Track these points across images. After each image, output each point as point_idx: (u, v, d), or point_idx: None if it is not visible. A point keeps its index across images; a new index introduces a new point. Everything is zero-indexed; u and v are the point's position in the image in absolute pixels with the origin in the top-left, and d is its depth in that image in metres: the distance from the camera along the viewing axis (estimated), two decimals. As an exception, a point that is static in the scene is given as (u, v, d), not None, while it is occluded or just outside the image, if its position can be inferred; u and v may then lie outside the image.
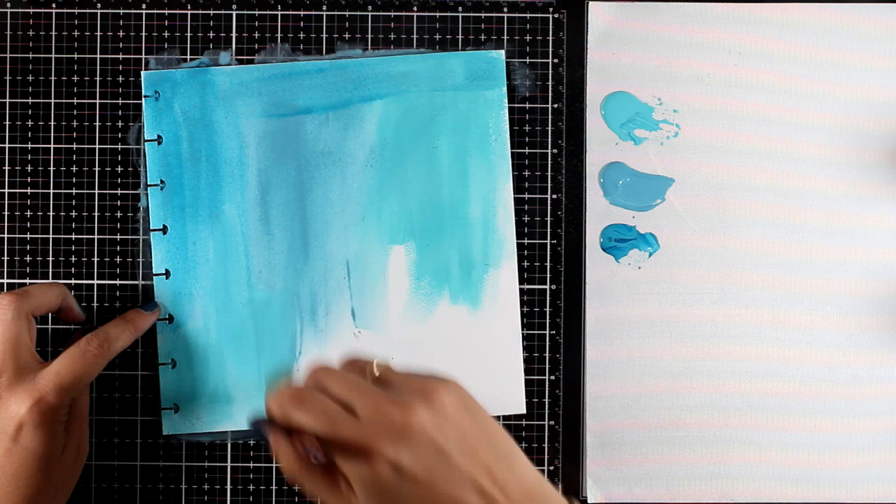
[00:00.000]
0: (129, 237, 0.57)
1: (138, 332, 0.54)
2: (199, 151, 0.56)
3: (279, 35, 0.57)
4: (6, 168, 0.57)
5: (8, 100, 0.57)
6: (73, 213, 0.57)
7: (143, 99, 0.56)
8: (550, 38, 0.57)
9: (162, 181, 0.56)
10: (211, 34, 0.57)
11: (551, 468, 0.57)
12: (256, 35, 0.57)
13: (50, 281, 0.56)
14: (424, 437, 0.39)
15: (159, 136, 0.56)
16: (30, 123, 0.57)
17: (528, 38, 0.57)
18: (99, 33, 0.57)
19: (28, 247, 0.57)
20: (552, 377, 0.57)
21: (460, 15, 0.57)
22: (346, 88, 0.56)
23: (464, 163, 0.56)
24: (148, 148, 0.56)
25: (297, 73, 0.56)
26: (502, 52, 0.57)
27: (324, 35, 0.57)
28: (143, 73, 0.57)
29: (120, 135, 0.57)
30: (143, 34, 0.57)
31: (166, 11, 0.57)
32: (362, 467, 0.39)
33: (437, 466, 0.39)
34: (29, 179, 0.57)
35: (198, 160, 0.56)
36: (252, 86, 0.56)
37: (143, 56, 0.57)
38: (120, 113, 0.57)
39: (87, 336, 0.51)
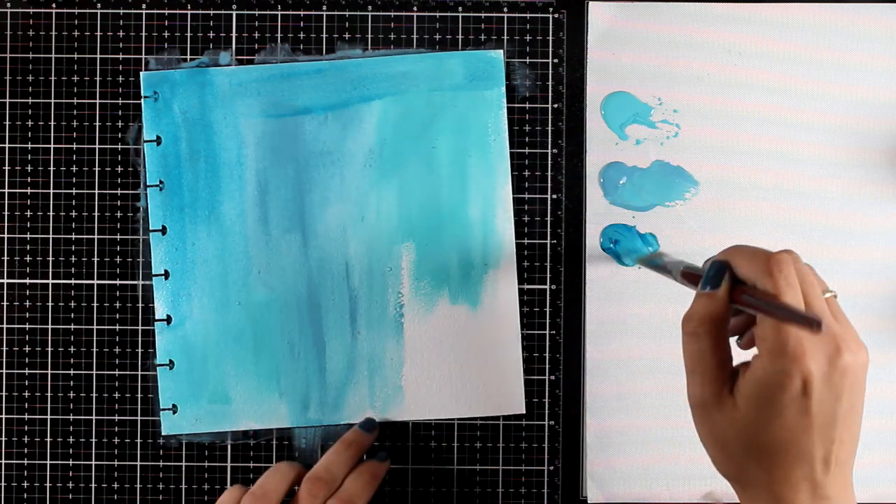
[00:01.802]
0: (129, 237, 0.57)
1: (377, 482, 0.53)
2: (198, 152, 0.56)
3: (279, 35, 0.57)
4: (6, 168, 0.57)
5: (8, 100, 0.57)
6: (73, 213, 0.57)
7: (143, 100, 0.56)
8: (550, 38, 0.57)
9: (161, 182, 0.56)
10: (211, 34, 0.57)
11: (551, 468, 0.57)
12: (256, 35, 0.57)
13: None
14: (842, 382, 0.39)
15: (158, 137, 0.56)
16: (30, 123, 0.57)
17: (527, 38, 0.57)
18: (99, 33, 0.57)
19: (28, 247, 0.57)
20: (552, 377, 0.57)
21: (460, 15, 0.57)
22: (345, 89, 0.56)
23: (463, 163, 0.56)
24: (147, 148, 0.56)
25: (295, 73, 0.56)
26: (501, 51, 0.56)
27: (324, 35, 0.57)
28: (141, 73, 0.56)
29: (120, 135, 0.57)
30: (143, 34, 0.57)
31: (166, 11, 0.57)
32: (778, 363, 0.38)
33: (827, 411, 0.39)
34: (29, 179, 0.57)
35: (197, 161, 0.56)
36: (251, 86, 0.56)
37: (143, 56, 0.57)
38: (120, 113, 0.57)
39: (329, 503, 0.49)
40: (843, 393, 0.39)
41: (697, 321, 0.41)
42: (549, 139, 0.57)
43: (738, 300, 0.41)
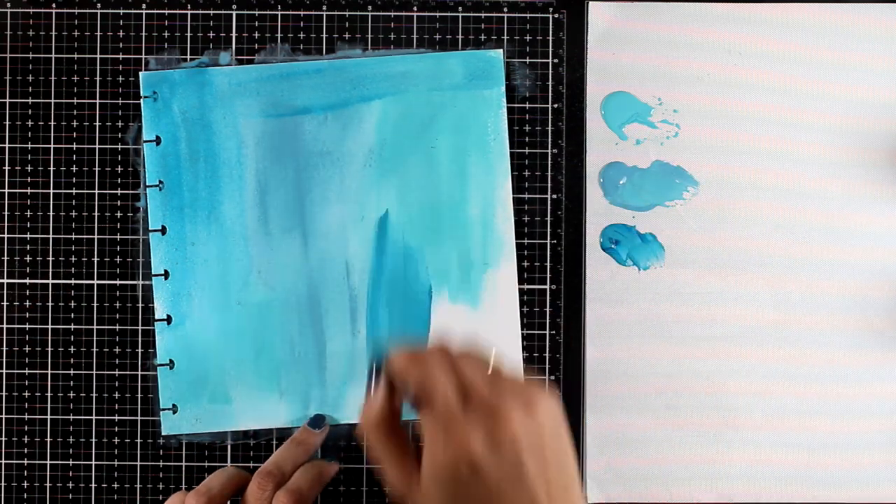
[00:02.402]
0: (129, 237, 0.56)
1: (325, 481, 0.54)
2: (197, 152, 0.56)
3: (279, 35, 0.57)
4: (6, 168, 0.56)
5: (8, 100, 0.56)
6: (73, 213, 0.56)
7: (142, 100, 0.56)
8: (550, 38, 0.57)
9: (161, 182, 0.56)
10: (211, 34, 0.57)
11: (551, 468, 0.57)
12: (256, 35, 0.57)
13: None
14: (513, 447, 0.38)
15: (158, 137, 0.56)
16: (30, 123, 0.56)
17: (527, 38, 0.57)
18: (99, 33, 0.57)
19: (28, 247, 0.56)
20: (552, 377, 0.57)
21: (460, 15, 0.57)
22: (345, 88, 0.56)
23: (462, 162, 0.56)
24: (146, 148, 0.56)
25: (295, 73, 0.56)
26: (500, 51, 0.56)
27: (324, 35, 0.57)
28: (141, 73, 0.56)
29: (119, 135, 0.56)
30: (143, 34, 0.57)
31: (166, 11, 0.57)
32: (443, 450, 0.38)
33: (510, 480, 0.38)
34: (29, 179, 0.56)
35: (196, 161, 0.56)
36: (250, 86, 0.56)
37: (143, 56, 0.56)
38: (120, 113, 0.56)
39: (278, 494, 0.50)
40: (522, 458, 0.38)
41: (367, 425, 0.42)
42: (549, 139, 0.57)
43: (396, 401, 0.43)
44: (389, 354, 0.42)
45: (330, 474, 0.55)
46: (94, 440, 0.56)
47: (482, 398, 0.39)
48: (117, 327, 0.56)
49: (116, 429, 0.56)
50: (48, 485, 0.56)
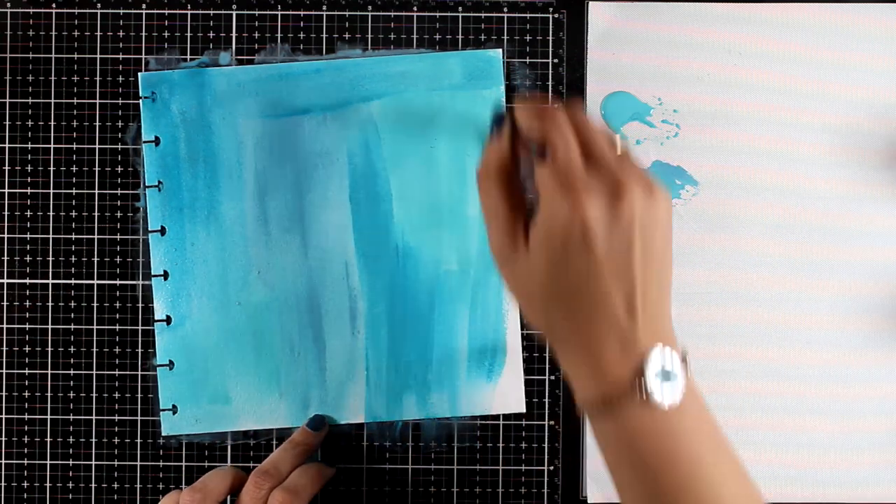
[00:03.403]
0: (129, 237, 0.56)
1: (324, 481, 0.53)
2: (196, 152, 0.56)
3: (279, 35, 0.56)
4: (6, 168, 0.56)
5: (8, 100, 0.56)
6: (73, 214, 0.56)
7: (141, 100, 0.55)
8: (550, 38, 0.57)
9: (160, 182, 0.56)
10: (211, 34, 0.56)
11: (551, 468, 0.56)
12: (256, 35, 0.56)
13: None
14: (630, 224, 0.37)
15: (157, 138, 0.55)
16: (30, 123, 0.56)
17: (527, 38, 0.57)
18: (99, 33, 0.56)
19: (28, 247, 0.56)
20: (552, 377, 0.57)
21: (460, 15, 0.56)
22: (344, 89, 0.56)
23: (462, 162, 0.56)
24: (146, 149, 0.55)
25: (294, 73, 0.56)
26: (500, 51, 0.56)
27: (324, 35, 0.56)
28: (140, 74, 0.56)
29: (119, 135, 0.56)
30: (143, 34, 0.56)
31: (166, 11, 0.56)
32: (559, 207, 0.37)
33: (617, 255, 0.37)
34: (29, 179, 0.56)
35: (196, 161, 0.56)
36: (249, 87, 0.56)
37: (143, 56, 0.56)
38: (120, 113, 0.56)
39: (274, 493, 0.50)
40: (634, 239, 0.38)
41: (484, 172, 0.41)
42: (549, 139, 0.57)
43: (517, 150, 0.41)
44: (516, 105, 0.41)
45: (328, 476, 0.54)
46: (94, 440, 0.56)
47: (608, 166, 0.38)
48: (117, 327, 0.56)
49: (116, 429, 0.56)
50: (48, 485, 0.56)
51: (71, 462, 0.56)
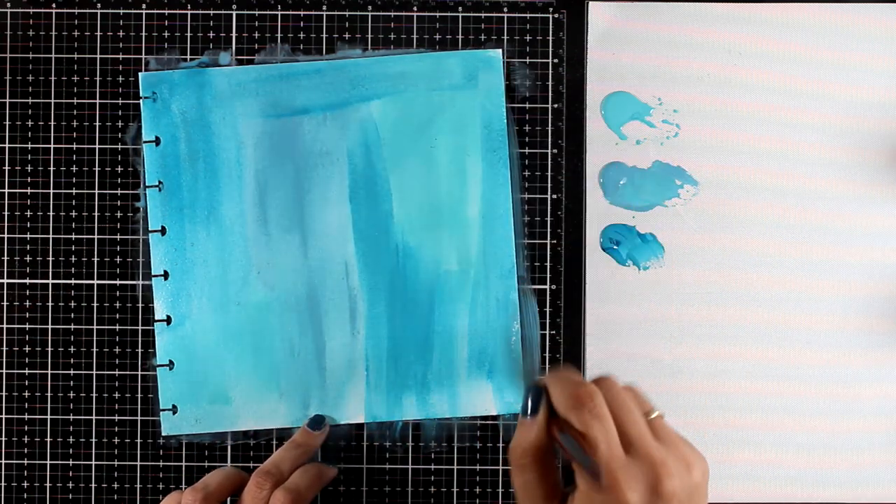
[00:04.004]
0: (129, 237, 0.56)
1: (324, 482, 0.53)
2: (197, 152, 0.55)
3: (279, 35, 0.56)
4: (6, 168, 0.56)
5: (8, 100, 0.56)
6: (73, 214, 0.56)
7: (141, 100, 0.55)
8: (550, 38, 0.56)
9: (160, 182, 0.55)
10: (211, 34, 0.56)
11: (551, 468, 0.56)
12: (256, 35, 0.56)
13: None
14: (668, 499, 0.38)
15: (157, 138, 0.55)
16: (30, 123, 0.56)
17: (527, 38, 0.56)
18: (99, 33, 0.56)
19: (28, 247, 0.56)
20: (552, 377, 0.56)
21: (460, 15, 0.56)
22: (344, 88, 0.56)
23: (462, 162, 0.55)
24: (146, 149, 0.55)
25: (294, 73, 0.56)
26: (500, 51, 0.56)
27: (324, 35, 0.56)
28: (140, 74, 0.56)
29: (119, 135, 0.56)
30: (143, 34, 0.56)
31: (166, 11, 0.56)
32: (593, 500, 0.38)
33: None
34: (29, 179, 0.56)
35: (196, 161, 0.55)
36: (249, 86, 0.55)
37: (143, 56, 0.56)
38: (120, 113, 0.56)
39: (275, 493, 0.49)
40: None
41: (520, 452, 0.41)
42: (549, 139, 0.56)
43: (552, 433, 0.41)
44: (551, 383, 0.41)
45: (329, 477, 0.54)
46: (94, 440, 0.56)
47: (646, 449, 0.39)
48: (117, 327, 0.56)
49: (116, 429, 0.56)
50: (48, 485, 0.56)
51: (71, 462, 0.56)
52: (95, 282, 0.56)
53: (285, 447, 0.53)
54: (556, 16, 0.57)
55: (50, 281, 0.56)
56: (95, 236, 0.56)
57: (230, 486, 0.51)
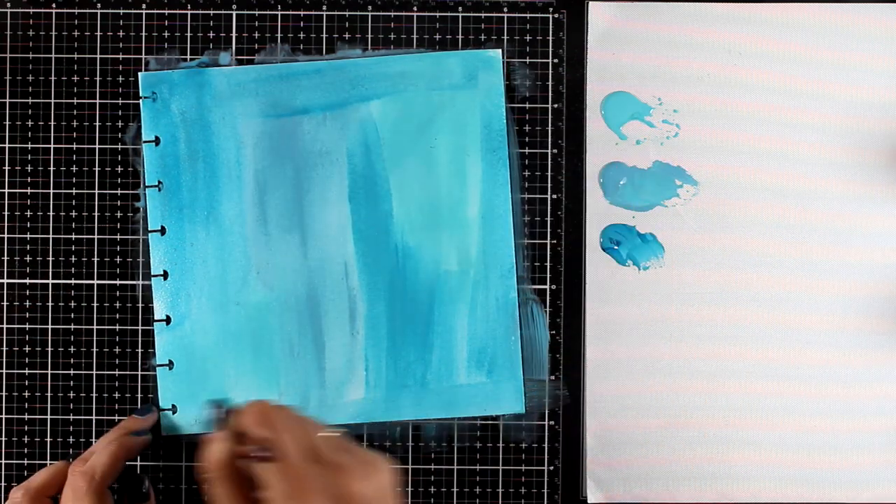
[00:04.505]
0: (129, 237, 0.56)
1: (122, 456, 0.52)
2: (196, 152, 0.55)
3: (279, 35, 0.56)
4: (6, 168, 0.56)
5: (8, 100, 0.56)
6: (73, 213, 0.56)
7: (141, 100, 0.55)
8: (550, 38, 0.56)
9: (160, 182, 0.55)
10: (211, 34, 0.56)
11: (551, 468, 0.56)
12: (256, 35, 0.56)
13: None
14: (352, 501, 0.41)
15: (157, 138, 0.55)
16: (30, 123, 0.56)
17: (527, 38, 0.56)
18: (99, 33, 0.56)
19: (28, 247, 0.56)
20: (552, 377, 0.56)
21: (460, 15, 0.56)
22: (344, 88, 0.55)
23: (462, 162, 0.55)
24: (146, 149, 0.55)
25: (294, 73, 0.55)
26: (499, 51, 0.56)
27: (324, 35, 0.56)
28: (140, 74, 0.55)
29: (119, 135, 0.56)
30: (143, 34, 0.56)
31: (166, 11, 0.56)
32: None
33: None
34: (29, 179, 0.56)
35: (195, 161, 0.55)
36: (249, 86, 0.55)
37: (143, 56, 0.56)
38: (120, 113, 0.56)
39: (71, 468, 0.50)
40: None
41: (212, 465, 0.43)
42: (549, 139, 0.56)
43: (238, 451, 0.43)
44: (233, 407, 0.45)
45: (132, 448, 0.53)
46: (94, 440, 0.56)
47: (330, 456, 0.42)
48: (117, 327, 0.56)
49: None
50: (48, 485, 0.56)
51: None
52: (95, 282, 0.56)
53: (100, 448, 0.52)
54: (556, 16, 0.57)
55: (50, 281, 0.56)
56: (95, 236, 0.56)
57: (55, 482, 0.51)
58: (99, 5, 0.56)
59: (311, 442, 0.42)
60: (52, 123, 0.56)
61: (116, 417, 0.56)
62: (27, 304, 0.56)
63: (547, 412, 0.56)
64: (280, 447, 0.41)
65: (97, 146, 0.56)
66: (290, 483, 0.40)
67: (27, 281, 0.56)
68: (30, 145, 0.56)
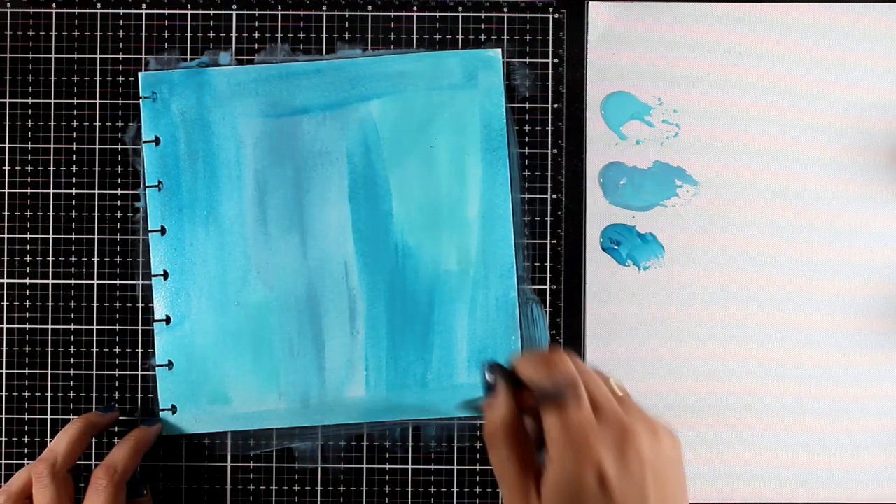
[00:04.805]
0: (129, 237, 0.56)
1: (141, 446, 0.53)
2: (196, 152, 0.55)
3: (279, 35, 0.56)
4: (6, 168, 0.56)
5: (8, 100, 0.56)
6: (73, 214, 0.56)
7: (141, 100, 0.55)
8: (550, 38, 0.56)
9: (160, 182, 0.55)
10: (211, 34, 0.56)
11: (551, 468, 0.56)
12: (256, 35, 0.56)
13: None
14: (641, 468, 0.37)
15: (157, 138, 0.55)
16: (30, 123, 0.56)
17: (527, 38, 0.56)
18: (99, 33, 0.56)
19: (28, 247, 0.56)
20: (552, 377, 0.56)
21: (460, 15, 0.56)
22: (344, 88, 0.55)
23: (461, 161, 0.55)
24: (145, 149, 0.55)
25: (293, 73, 0.55)
26: (499, 50, 0.56)
27: (324, 35, 0.56)
28: (140, 74, 0.55)
29: (119, 135, 0.56)
30: (143, 34, 0.56)
31: (166, 11, 0.56)
32: (573, 459, 0.37)
33: (633, 500, 0.37)
34: (29, 179, 0.56)
35: (195, 161, 0.55)
36: (249, 86, 0.55)
37: (143, 56, 0.56)
38: (120, 113, 0.56)
39: (94, 470, 0.50)
40: (647, 482, 0.37)
41: (491, 431, 0.40)
42: (549, 139, 0.56)
43: (524, 404, 0.40)
44: (511, 358, 0.41)
45: (150, 437, 0.54)
46: (93, 440, 0.55)
47: (614, 414, 0.38)
48: (117, 327, 0.56)
49: (116, 429, 0.56)
50: (48, 485, 0.55)
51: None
52: (95, 282, 0.56)
53: (118, 443, 0.53)
54: (556, 16, 0.56)
55: (50, 281, 0.56)
56: (95, 236, 0.56)
57: (31, 484, 0.51)
58: (99, 5, 0.56)
59: (595, 395, 0.39)
60: (52, 123, 0.56)
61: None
62: (27, 304, 0.56)
63: (547, 412, 0.56)
64: (561, 396, 0.38)
65: (97, 146, 0.56)
66: (574, 432, 0.37)
67: (27, 281, 0.56)
68: (30, 145, 0.56)
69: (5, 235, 0.56)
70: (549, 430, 0.38)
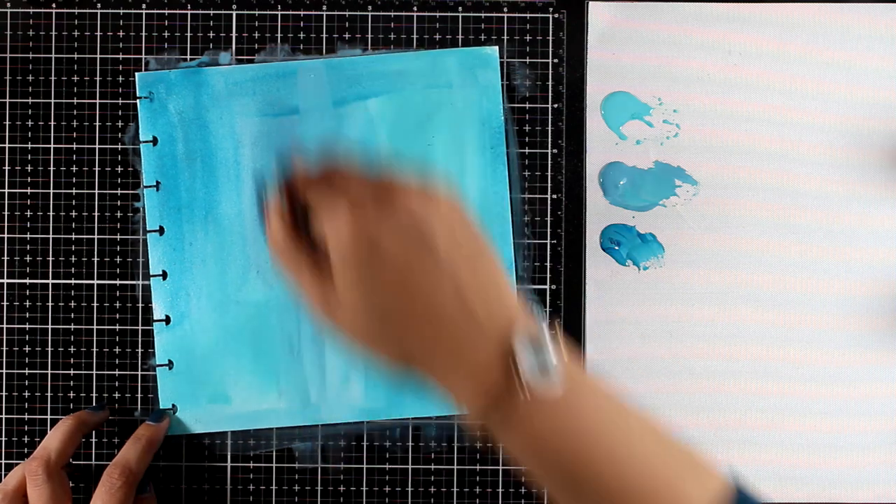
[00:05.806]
0: (129, 237, 0.55)
1: (153, 445, 0.53)
2: (194, 152, 0.55)
3: (279, 35, 0.55)
4: (6, 168, 0.55)
5: (8, 100, 0.55)
6: (73, 214, 0.55)
7: (138, 100, 0.54)
8: (550, 38, 0.56)
9: (158, 182, 0.54)
10: (211, 34, 0.55)
11: (551, 468, 0.55)
12: (256, 35, 0.55)
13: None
14: (410, 217, 0.37)
15: (154, 138, 0.54)
16: (30, 123, 0.55)
17: (527, 38, 0.56)
18: (99, 33, 0.55)
19: (28, 247, 0.55)
20: (552, 377, 0.55)
21: (460, 15, 0.55)
22: (341, 87, 0.55)
23: (460, 160, 0.55)
24: (143, 149, 0.54)
25: (291, 72, 0.55)
26: (496, 48, 0.55)
27: (324, 35, 0.55)
28: (137, 74, 0.55)
29: (119, 135, 0.55)
30: (143, 34, 0.55)
31: (166, 11, 0.55)
32: (339, 231, 0.37)
33: (416, 251, 0.36)
34: (29, 179, 0.55)
35: (193, 161, 0.55)
36: (247, 86, 0.55)
37: (143, 56, 0.55)
38: (120, 113, 0.55)
39: (107, 469, 0.51)
40: (424, 227, 0.37)
41: (272, 250, 0.40)
42: (549, 139, 0.56)
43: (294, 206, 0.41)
44: (281, 174, 0.41)
45: (160, 435, 0.54)
46: (93, 440, 0.55)
47: (378, 185, 0.38)
48: (117, 327, 0.55)
49: (116, 429, 0.55)
50: (48, 485, 0.55)
51: (71, 461, 0.55)
52: (95, 282, 0.55)
53: (129, 442, 0.53)
54: (556, 16, 0.56)
55: (50, 281, 0.55)
56: (95, 236, 0.55)
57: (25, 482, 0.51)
58: (99, 5, 0.55)
59: (358, 185, 0.39)
60: (52, 123, 0.55)
61: (117, 417, 0.55)
62: (27, 304, 0.55)
63: (547, 412, 0.56)
64: (338, 189, 0.38)
65: (97, 146, 0.55)
66: (338, 215, 0.37)
67: (27, 281, 0.55)
68: (30, 145, 0.55)
69: (5, 235, 0.55)
70: (324, 224, 0.38)
